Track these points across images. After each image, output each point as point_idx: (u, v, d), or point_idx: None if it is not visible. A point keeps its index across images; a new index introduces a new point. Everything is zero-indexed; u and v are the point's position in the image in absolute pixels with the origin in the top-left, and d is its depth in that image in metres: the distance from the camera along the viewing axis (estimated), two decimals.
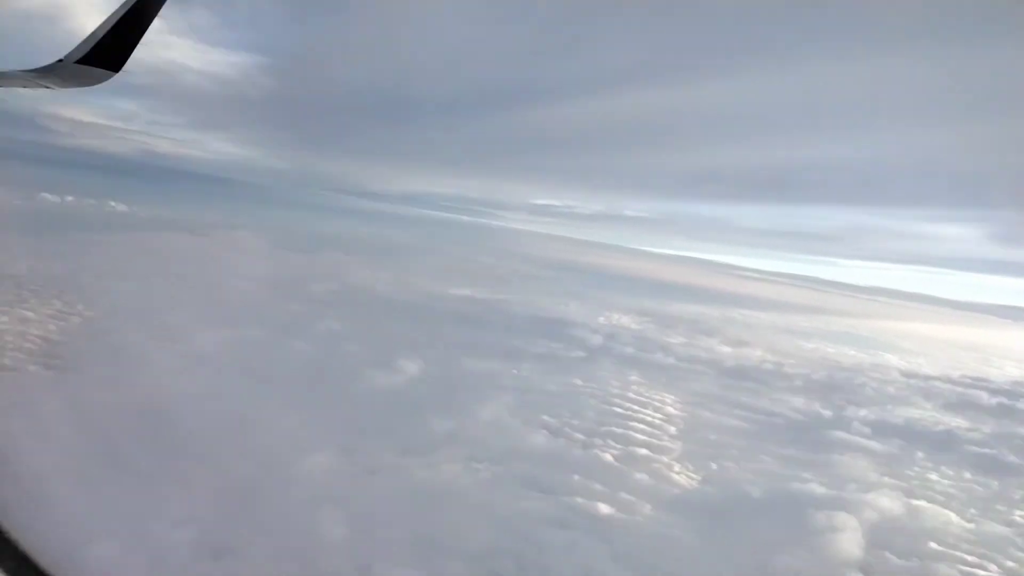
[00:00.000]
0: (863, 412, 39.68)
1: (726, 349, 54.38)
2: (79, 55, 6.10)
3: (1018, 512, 27.51)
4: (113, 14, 6.30)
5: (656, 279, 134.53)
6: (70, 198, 79.38)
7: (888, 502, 25.94)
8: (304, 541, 17.26)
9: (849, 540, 22.10)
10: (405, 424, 25.85)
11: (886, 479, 28.92)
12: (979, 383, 55.58)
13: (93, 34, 6.23)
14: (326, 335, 36.86)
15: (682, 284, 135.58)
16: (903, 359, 65.28)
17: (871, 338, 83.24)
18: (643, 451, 27.23)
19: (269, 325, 36.74)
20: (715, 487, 25.34)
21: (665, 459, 26.83)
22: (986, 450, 35.43)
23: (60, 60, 5.98)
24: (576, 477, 23.52)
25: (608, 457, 26.05)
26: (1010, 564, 22.88)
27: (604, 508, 21.69)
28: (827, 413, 38.78)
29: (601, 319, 59.71)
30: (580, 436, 27.67)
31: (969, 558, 22.48)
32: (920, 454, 33.19)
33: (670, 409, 33.96)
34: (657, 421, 31.56)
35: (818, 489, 26.00)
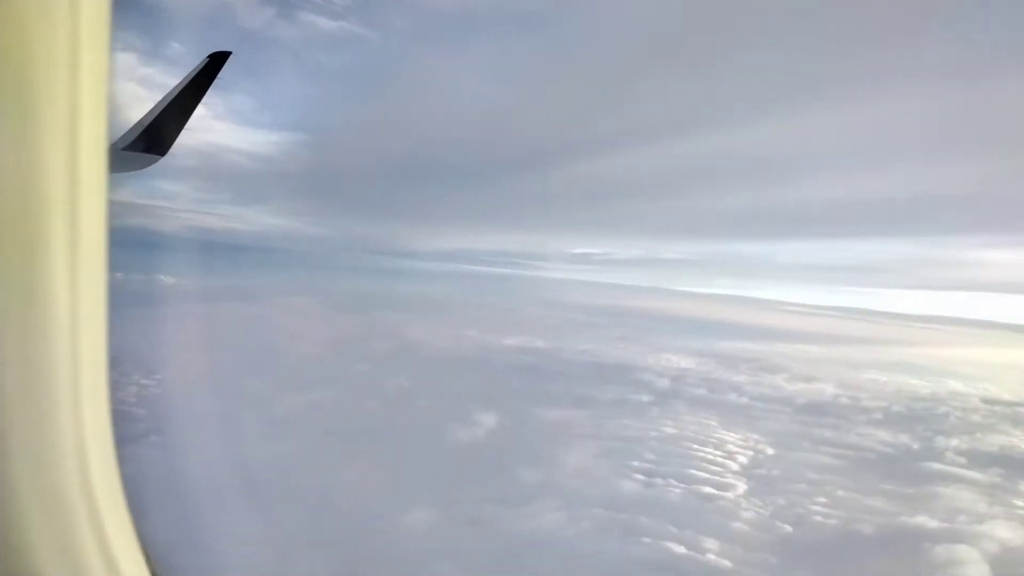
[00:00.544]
0: (954, 442, 38.03)
1: (796, 386, 52.92)
2: (126, 142, 6.39)
3: None
4: (159, 103, 6.71)
5: (703, 318, 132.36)
6: (118, 275, 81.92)
7: (1005, 532, 24.70)
8: None
9: (977, 573, 21.00)
10: (494, 476, 25.63)
11: (996, 508, 27.50)
12: None
13: (140, 122, 6.58)
14: (397, 392, 37.01)
15: (730, 322, 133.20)
16: (971, 385, 62.57)
17: (933, 366, 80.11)
18: (740, 494, 26.44)
19: (341, 387, 37.06)
20: (824, 526, 24.37)
21: (765, 501, 25.99)
22: None
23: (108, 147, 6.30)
24: (677, 523, 22.88)
25: (706, 501, 25.36)
26: None
27: (712, 555, 20.99)
28: (915, 445, 37.27)
29: (662, 361, 58.82)
30: (673, 481, 27.04)
31: None
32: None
33: (758, 449, 33.04)
34: (747, 463, 30.73)
35: (929, 522, 24.93)
